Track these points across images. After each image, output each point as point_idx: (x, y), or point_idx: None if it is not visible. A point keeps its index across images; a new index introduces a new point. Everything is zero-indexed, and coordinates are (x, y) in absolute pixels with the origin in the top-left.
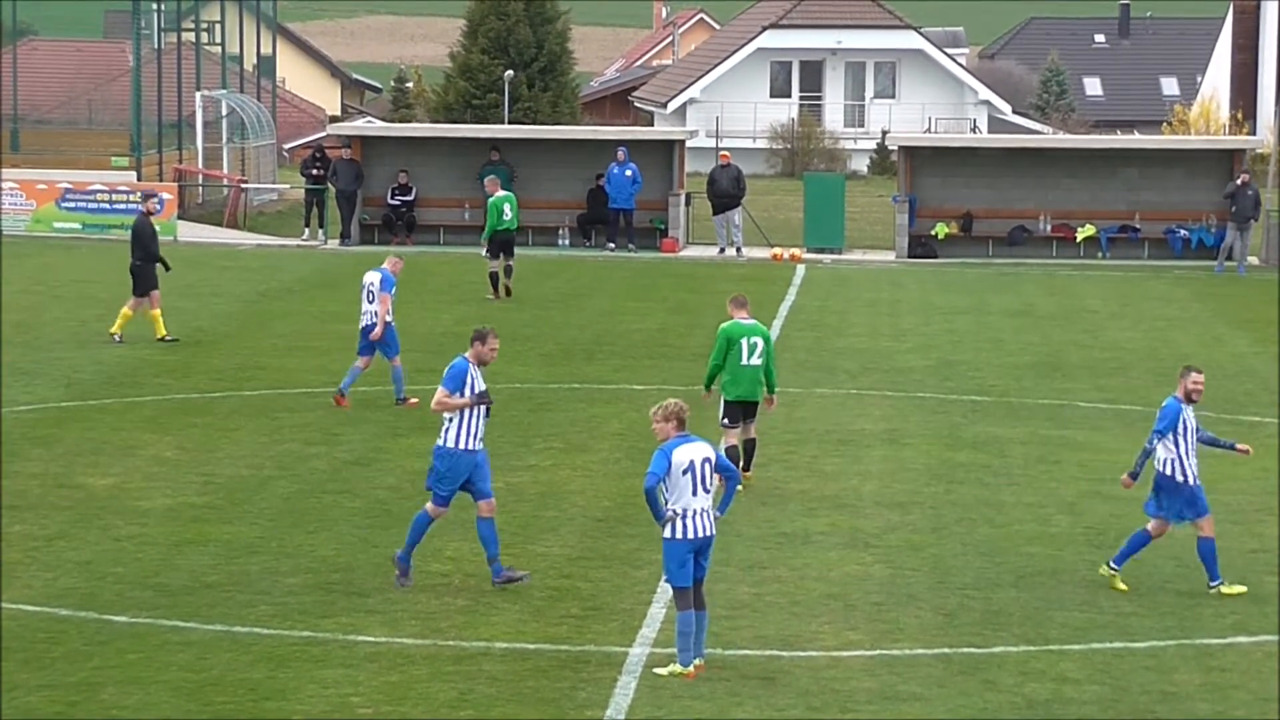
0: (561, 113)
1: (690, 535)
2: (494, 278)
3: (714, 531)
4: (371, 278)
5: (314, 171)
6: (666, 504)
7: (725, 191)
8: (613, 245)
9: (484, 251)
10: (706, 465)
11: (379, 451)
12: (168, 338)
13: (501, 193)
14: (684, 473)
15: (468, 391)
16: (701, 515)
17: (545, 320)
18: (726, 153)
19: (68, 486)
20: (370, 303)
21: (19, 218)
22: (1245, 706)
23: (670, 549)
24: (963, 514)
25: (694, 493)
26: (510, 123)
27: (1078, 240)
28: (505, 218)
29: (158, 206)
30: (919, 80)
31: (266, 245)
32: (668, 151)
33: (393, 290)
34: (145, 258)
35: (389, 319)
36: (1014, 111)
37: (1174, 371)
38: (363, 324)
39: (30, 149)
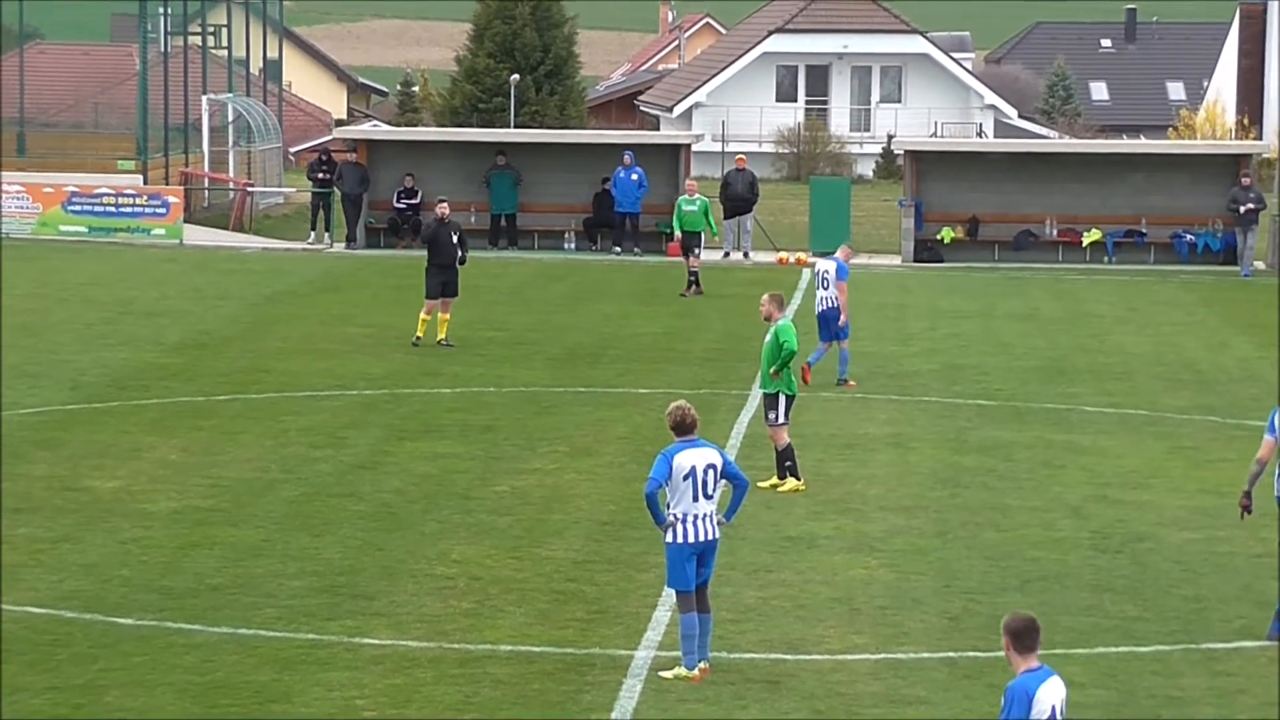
0: (568, 116)
1: (692, 539)
2: (692, 275)
3: (717, 536)
4: (826, 265)
5: (320, 175)
6: (668, 509)
7: (739, 195)
8: (618, 249)
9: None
10: (710, 471)
11: (385, 455)
12: (420, 340)
13: (691, 197)
14: (684, 478)
15: None
16: (703, 520)
17: (551, 323)
18: (743, 156)
19: (73, 489)
20: (825, 289)
21: (25, 221)
22: (1251, 711)
23: (672, 553)
24: (968, 518)
25: (694, 498)
26: (516, 126)
27: (1084, 245)
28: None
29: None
30: (925, 85)
31: (272, 248)
32: (674, 155)
33: (847, 277)
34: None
35: (839, 305)
36: (1020, 116)
37: (1180, 376)
38: (819, 310)
39: (36, 152)
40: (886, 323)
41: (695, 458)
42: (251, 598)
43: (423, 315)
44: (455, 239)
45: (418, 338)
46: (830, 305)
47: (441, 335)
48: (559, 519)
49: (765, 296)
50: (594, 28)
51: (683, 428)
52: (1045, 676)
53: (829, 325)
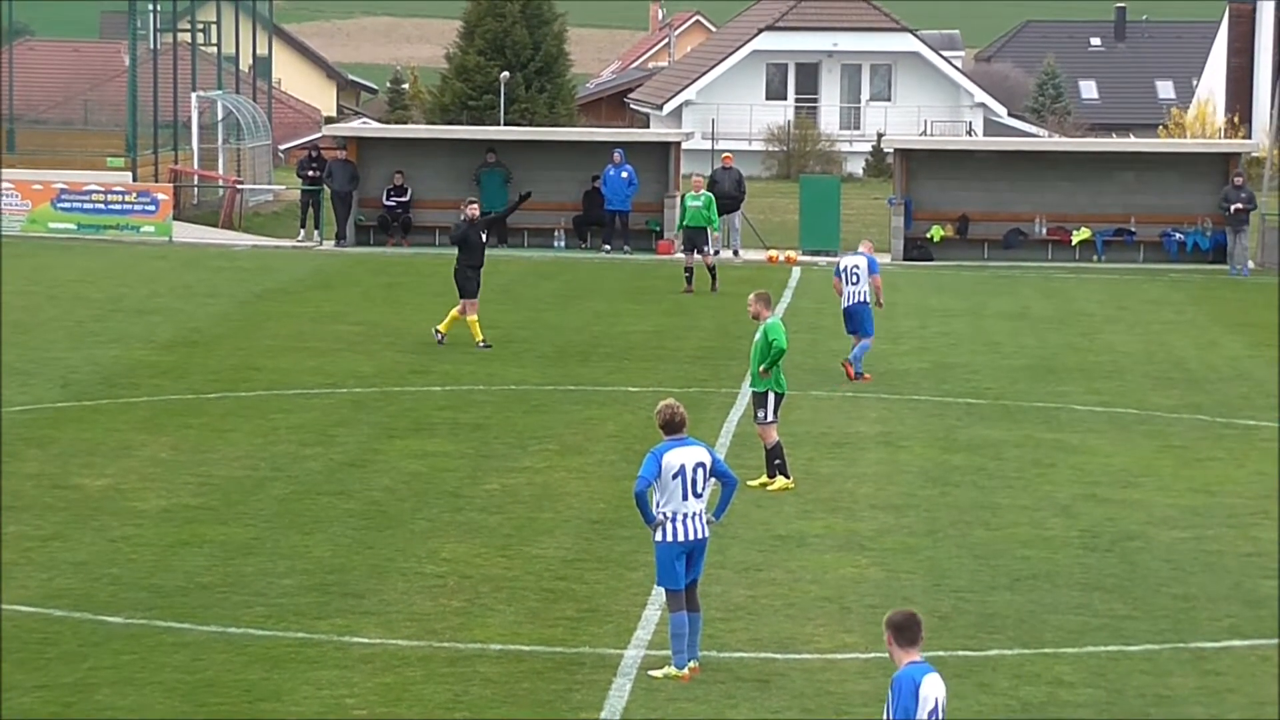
0: (558, 114)
1: (681, 538)
2: (688, 272)
3: (706, 534)
4: (855, 261)
5: (310, 172)
6: (657, 507)
7: (726, 193)
8: (608, 247)
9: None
10: (700, 470)
11: (374, 453)
12: (482, 343)
13: (697, 194)
14: (674, 477)
15: None
16: (693, 518)
17: (541, 322)
18: (729, 154)
19: (63, 487)
20: (854, 284)
21: (14, 218)
22: (1240, 710)
23: (661, 551)
24: (958, 517)
25: (684, 497)
26: (506, 124)
27: (1073, 243)
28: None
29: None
30: (915, 83)
31: (262, 246)
32: (664, 153)
33: (879, 269)
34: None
35: (867, 300)
36: (1010, 114)
37: (1169, 375)
38: (846, 305)
39: (26, 149)
40: (876, 321)
41: (684, 456)
42: (241, 596)
43: (469, 317)
44: (484, 239)
45: (482, 340)
46: (858, 300)
47: (479, 337)
48: (549, 517)
49: (752, 295)
50: (584, 25)
51: (672, 426)
52: (927, 670)
53: (856, 320)
